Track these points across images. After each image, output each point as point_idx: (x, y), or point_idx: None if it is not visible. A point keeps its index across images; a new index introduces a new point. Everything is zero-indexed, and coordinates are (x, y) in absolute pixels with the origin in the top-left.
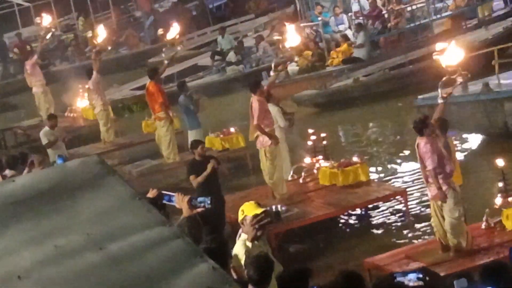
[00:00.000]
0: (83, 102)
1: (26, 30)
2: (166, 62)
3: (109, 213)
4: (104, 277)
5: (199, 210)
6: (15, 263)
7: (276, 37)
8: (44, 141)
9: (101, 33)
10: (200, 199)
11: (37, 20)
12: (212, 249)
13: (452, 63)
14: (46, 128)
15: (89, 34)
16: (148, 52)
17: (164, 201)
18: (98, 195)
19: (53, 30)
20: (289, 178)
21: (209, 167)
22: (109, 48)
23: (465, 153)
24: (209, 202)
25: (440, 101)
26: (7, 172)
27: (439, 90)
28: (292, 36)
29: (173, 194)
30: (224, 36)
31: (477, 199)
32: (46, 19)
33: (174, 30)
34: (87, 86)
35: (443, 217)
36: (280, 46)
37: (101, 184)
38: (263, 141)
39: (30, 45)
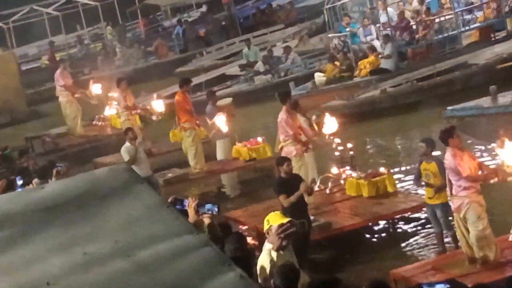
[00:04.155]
0: (111, 110)
1: (55, 39)
2: None
3: (137, 221)
4: (132, 285)
5: (205, 216)
6: (44, 270)
7: (314, 118)
8: (124, 157)
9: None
10: (207, 206)
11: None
12: (237, 258)
13: None
14: (127, 144)
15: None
16: (177, 61)
17: (178, 207)
18: (126, 203)
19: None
20: (316, 188)
21: (303, 188)
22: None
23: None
24: (216, 210)
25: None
26: (36, 180)
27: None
28: (331, 123)
29: (185, 199)
30: (250, 48)
31: (504, 211)
32: (96, 88)
33: None
34: (111, 94)
35: (467, 229)
36: (315, 125)
37: (129, 191)
38: (288, 152)
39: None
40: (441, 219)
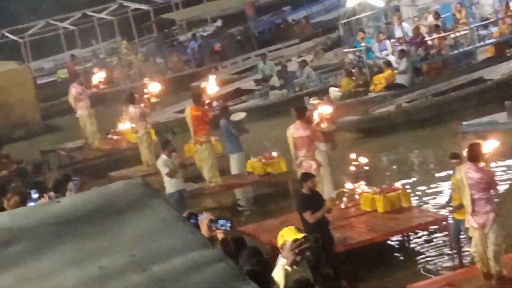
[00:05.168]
0: (125, 124)
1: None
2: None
3: (152, 235)
4: None
5: (219, 232)
6: (60, 283)
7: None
8: (164, 170)
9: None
10: (221, 222)
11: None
12: (256, 272)
13: None
14: (164, 156)
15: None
16: (192, 75)
17: (193, 222)
18: (142, 217)
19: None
20: None
21: (329, 206)
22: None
23: (508, 181)
24: (229, 225)
25: None
26: (52, 194)
27: None
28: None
29: (200, 214)
30: (265, 63)
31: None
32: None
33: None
34: (126, 109)
35: (486, 244)
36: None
37: (145, 206)
38: (307, 167)
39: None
40: (465, 235)
